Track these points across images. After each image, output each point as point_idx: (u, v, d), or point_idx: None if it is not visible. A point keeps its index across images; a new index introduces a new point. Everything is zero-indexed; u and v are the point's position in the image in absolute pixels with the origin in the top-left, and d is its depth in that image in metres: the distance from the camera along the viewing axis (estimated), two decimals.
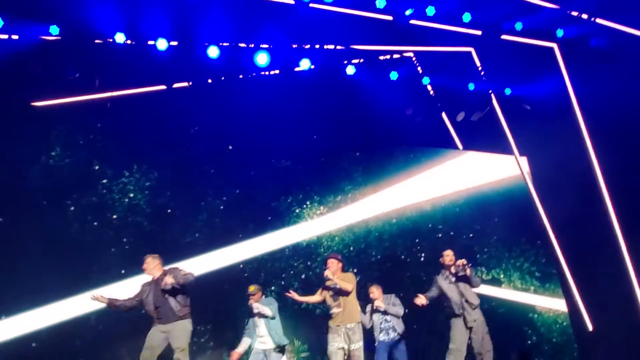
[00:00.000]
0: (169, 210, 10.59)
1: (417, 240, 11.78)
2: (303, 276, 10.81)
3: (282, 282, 10.60)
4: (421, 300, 6.50)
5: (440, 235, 11.98)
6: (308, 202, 11.34)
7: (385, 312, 7.30)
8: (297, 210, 11.22)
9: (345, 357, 6.29)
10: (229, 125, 11.15)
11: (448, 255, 6.77)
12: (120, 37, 8.75)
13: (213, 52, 9.40)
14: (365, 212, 11.59)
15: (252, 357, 6.88)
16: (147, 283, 6.35)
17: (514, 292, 11.76)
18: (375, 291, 7.41)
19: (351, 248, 11.21)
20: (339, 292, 6.24)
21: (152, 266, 6.28)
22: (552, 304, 11.72)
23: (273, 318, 6.93)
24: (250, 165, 11.25)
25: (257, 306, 6.85)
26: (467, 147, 12.31)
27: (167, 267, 6.35)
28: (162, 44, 9.10)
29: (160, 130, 10.72)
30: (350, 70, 10.12)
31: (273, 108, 10.61)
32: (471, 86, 10.73)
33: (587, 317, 10.40)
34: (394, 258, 11.15)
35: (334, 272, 6.24)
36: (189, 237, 10.53)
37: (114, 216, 9.97)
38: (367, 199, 11.67)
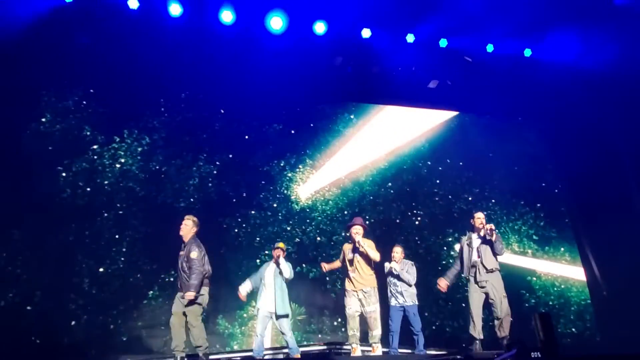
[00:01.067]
0: (162, 176, 10.54)
1: (413, 204, 11.64)
2: (297, 240, 10.78)
3: None
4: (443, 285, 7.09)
5: (437, 198, 11.82)
6: (300, 166, 11.23)
7: (397, 277, 7.34)
8: (290, 174, 11.12)
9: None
10: (221, 89, 11.03)
11: (479, 218, 6.94)
12: (133, 3, 8.64)
13: (227, 16, 9.26)
14: (360, 175, 11.50)
15: (259, 319, 6.93)
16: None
17: (512, 256, 11.64)
18: (399, 251, 7.47)
19: (345, 212, 11.12)
20: (366, 259, 6.64)
21: (187, 229, 6.54)
22: (550, 268, 11.61)
23: (286, 281, 7.04)
24: (242, 129, 11.14)
25: (282, 261, 6.96)
26: (479, 111, 12.11)
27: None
28: (175, 9, 8.95)
29: (151, 95, 10.68)
30: (366, 33, 9.79)
31: (265, 72, 10.41)
32: (490, 47, 10.33)
33: (602, 282, 10.38)
34: (388, 222, 11.04)
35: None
36: (183, 202, 10.50)
37: (105, 182, 9.95)
38: (361, 161, 11.55)
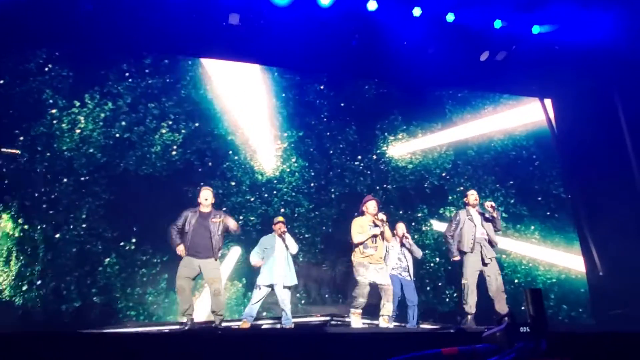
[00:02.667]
0: (127, 142, 10.37)
1: (381, 178, 11.48)
2: (261, 211, 10.65)
3: (241, 217, 10.48)
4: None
5: (407, 173, 11.64)
6: (267, 136, 11.04)
7: (404, 253, 7.62)
8: (255, 145, 10.93)
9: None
10: (190, 55, 10.78)
11: (473, 195, 7.15)
12: None
13: None
14: (329, 147, 11.31)
15: (262, 290, 7.00)
16: (192, 212, 6.66)
17: None
18: (403, 227, 7.79)
19: (311, 184, 10.98)
20: (382, 237, 6.71)
21: (210, 200, 6.68)
22: (518, 247, 11.49)
23: (293, 254, 7.28)
24: (209, 97, 10.92)
25: (289, 237, 7.17)
26: (486, 87, 11.85)
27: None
28: None
29: (114, 60, 10.44)
30: (372, 5, 9.41)
31: (240, 39, 10.11)
32: (497, 23, 10.00)
33: (598, 261, 10.23)
34: (354, 195, 10.85)
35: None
36: (146, 169, 10.35)
37: (64, 147, 9.79)
38: (330, 133, 11.34)
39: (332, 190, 10.86)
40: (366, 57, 10.65)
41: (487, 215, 6.96)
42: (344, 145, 11.42)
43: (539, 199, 11.92)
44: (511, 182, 11.86)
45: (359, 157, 11.48)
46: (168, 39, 10.10)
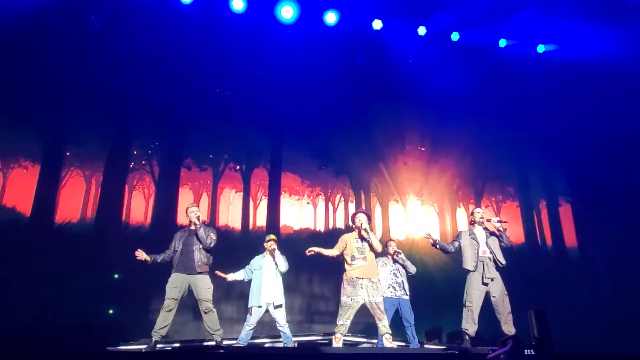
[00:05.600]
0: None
1: None
2: None
3: None
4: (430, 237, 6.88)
5: None
6: None
7: (398, 269, 7.62)
8: None
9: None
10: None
11: (479, 213, 7.13)
12: None
13: (238, 4, 8.99)
14: None
15: (256, 311, 6.97)
16: (183, 231, 6.90)
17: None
18: (394, 245, 7.71)
19: None
20: (370, 248, 6.45)
21: (195, 215, 6.77)
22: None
23: (281, 273, 7.15)
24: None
25: (278, 255, 7.08)
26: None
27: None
28: None
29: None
30: (377, 24, 9.38)
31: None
32: (502, 42, 9.98)
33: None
34: None
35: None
36: None
37: None
38: None
39: None
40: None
41: (496, 230, 6.87)
42: None
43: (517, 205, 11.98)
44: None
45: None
46: None
